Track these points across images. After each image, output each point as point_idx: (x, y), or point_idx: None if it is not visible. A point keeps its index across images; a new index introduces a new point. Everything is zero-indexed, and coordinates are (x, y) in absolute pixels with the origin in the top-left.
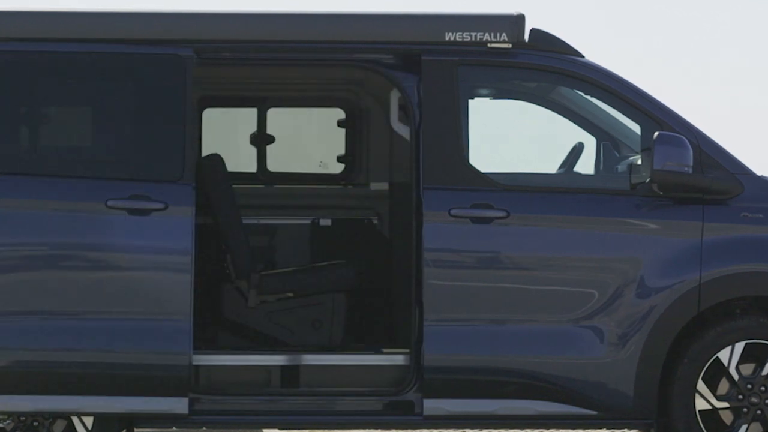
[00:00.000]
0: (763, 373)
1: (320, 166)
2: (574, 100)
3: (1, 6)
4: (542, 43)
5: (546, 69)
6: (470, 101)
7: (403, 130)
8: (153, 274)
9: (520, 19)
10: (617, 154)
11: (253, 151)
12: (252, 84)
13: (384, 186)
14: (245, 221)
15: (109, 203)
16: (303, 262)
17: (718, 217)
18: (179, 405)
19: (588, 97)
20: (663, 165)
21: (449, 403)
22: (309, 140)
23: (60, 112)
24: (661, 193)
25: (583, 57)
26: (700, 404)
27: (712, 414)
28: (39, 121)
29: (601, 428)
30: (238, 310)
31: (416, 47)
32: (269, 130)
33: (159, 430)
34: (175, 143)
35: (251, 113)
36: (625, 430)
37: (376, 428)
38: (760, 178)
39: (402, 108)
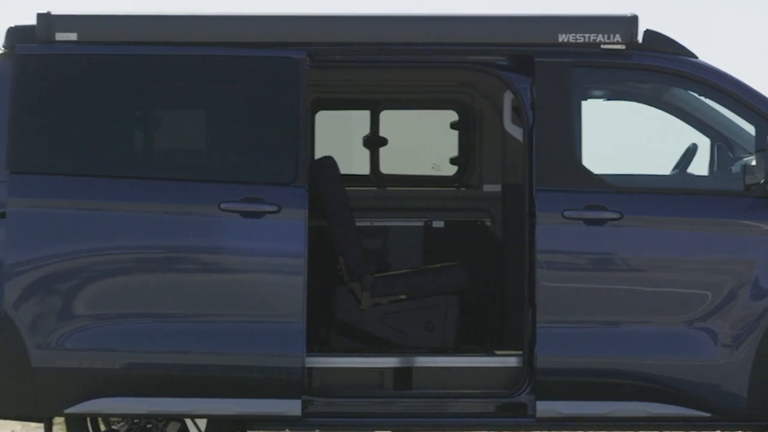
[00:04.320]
0: None
1: (433, 168)
2: (688, 101)
3: (116, 10)
4: (656, 44)
5: (660, 70)
6: (583, 102)
7: (516, 132)
8: (266, 276)
9: (633, 20)
10: (731, 155)
11: (366, 153)
12: (365, 86)
13: (497, 188)
14: (358, 223)
15: (223, 206)
16: (415, 264)
17: None
18: (292, 407)
19: (702, 98)
20: None
21: (562, 405)
22: (422, 142)
23: (174, 115)
24: None
25: (697, 58)
26: None
27: None
28: (153, 125)
29: (714, 430)
30: (350, 312)
31: (530, 49)
32: (382, 133)
33: None
34: (288, 146)
35: (364, 116)
36: None
37: (489, 430)
38: None
39: (515, 109)
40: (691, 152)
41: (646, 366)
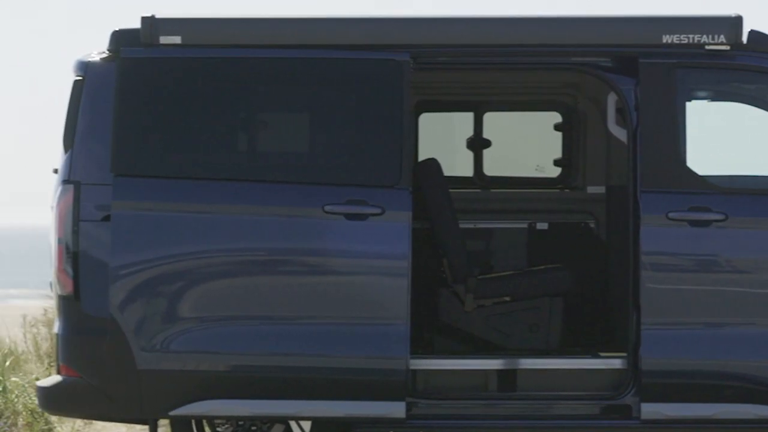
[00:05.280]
0: None
1: (537, 169)
2: None
3: (219, 14)
4: (761, 44)
5: (765, 71)
6: (687, 103)
7: (620, 133)
8: (370, 278)
9: (738, 20)
10: None
11: (470, 155)
12: (469, 88)
13: (601, 189)
14: (462, 225)
15: (327, 208)
16: (520, 266)
17: None
18: (396, 409)
19: None
20: None
21: (667, 407)
22: (526, 144)
23: (277, 118)
24: None
25: None
26: None
27: None
28: (256, 127)
29: None
30: (454, 314)
31: (633, 50)
32: (486, 134)
33: None
34: (392, 148)
35: (468, 117)
36: None
37: None
38: None
39: (619, 111)
40: None
41: (751, 368)
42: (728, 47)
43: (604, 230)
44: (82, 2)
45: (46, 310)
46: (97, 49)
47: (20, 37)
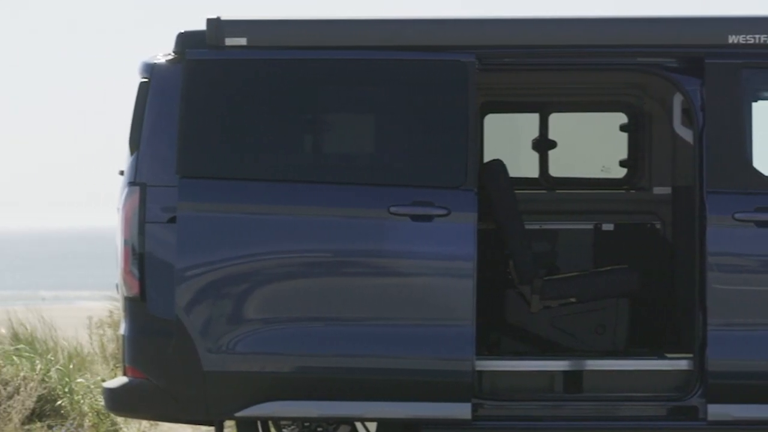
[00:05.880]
0: None
1: (602, 170)
2: None
3: (285, 15)
4: None
5: None
6: (753, 104)
7: (686, 134)
8: (436, 279)
9: None
10: None
11: (535, 156)
12: (534, 89)
13: (667, 190)
14: (527, 226)
15: (392, 209)
16: (585, 267)
17: None
18: (462, 410)
19: None
20: None
21: (734, 409)
22: (591, 145)
23: (343, 119)
24: None
25: None
26: None
27: None
28: (322, 129)
29: None
30: (520, 315)
31: (699, 50)
32: (551, 135)
33: None
34: (457, 149)
35: (533, 118)
36: None
37: None
38: None
39: (685, 111)
40: None
41: None
42: None
43: (670, 231)
44: (152, 1)
45: (111, 312)
46: (164, 51)
47: (88, 37)
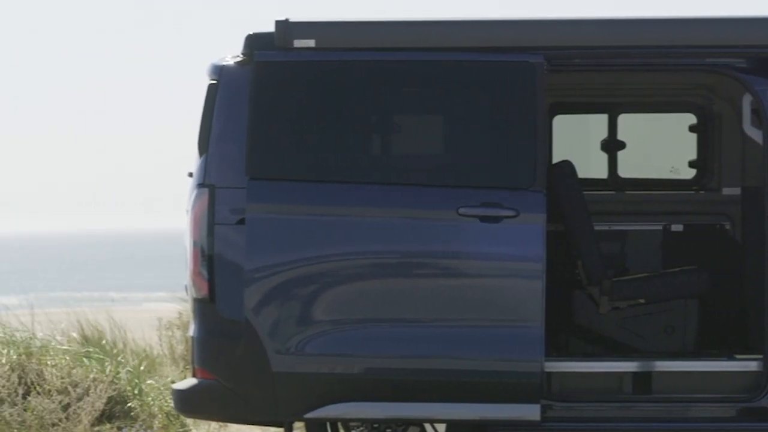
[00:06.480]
0: None
1: (671, 171)
2: None
3: (352, 17)
4: None
5: None
6: None
7: (756, 134)
8: (504, 281)
9: None
10: None
11: (604, 157)
12: (602, 90)
13: (736, 191)
14: (596, 227)
15: (461, 210)
16: (654, 268)
17: None
18: (531, 412)
19: None
20: None
21: None
22: (660, 146)
23: (411, 120)
24: None
25: None
26: None
27: None
28: (390, 130)
29: None
30: (589, 316)
31: None
32: (620, 136)
33: None
34: (526, 150)
35: (602, 119)
36: None
37: None
38: None
39: (754, 111)
40: None
41: None
42: None
43: (740, 231)
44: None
45: (180, 313)
46: (232, 53)
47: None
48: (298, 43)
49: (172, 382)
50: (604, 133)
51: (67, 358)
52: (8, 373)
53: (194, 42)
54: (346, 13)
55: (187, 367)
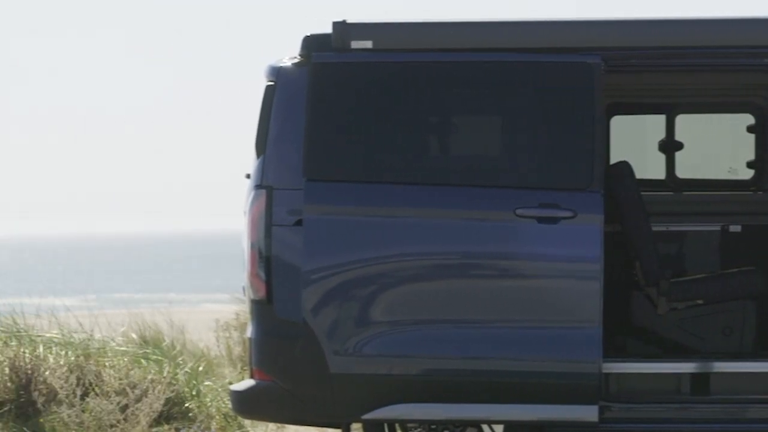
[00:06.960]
0: None
1: (729, 172)
2: None
3: (410, 18)
4: None
5: None
6: None
7: None
8: (562, 282)
9: None
10: None
11: (662, 157)
12: (660, 90)
13: None
14: (654, 228)
15: (518, 211)
16: (712, 269)
17: None
18: (589, 413)
19: None
20: None
21: None
22: (718, 146)
23: (468, 121)
24: None
25: None
26: None
27: None
28: (447, 131)
29: None
30: (647, 317)
31: None
32: (678, 137)
33: None
34: (584, 151)
35: (659, 120)
36: None
37: None
38: None
39: None
40: None
41: None
42: None
43: None
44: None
45: (238, 314)
46: (289, 54)
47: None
48: (356, 44)
49: (230, 383)
50: (661, 134)
51: (126, 359)
52: (66, 374)
53: (246, 43)
54: (397, 15)
55: (245, 368)
